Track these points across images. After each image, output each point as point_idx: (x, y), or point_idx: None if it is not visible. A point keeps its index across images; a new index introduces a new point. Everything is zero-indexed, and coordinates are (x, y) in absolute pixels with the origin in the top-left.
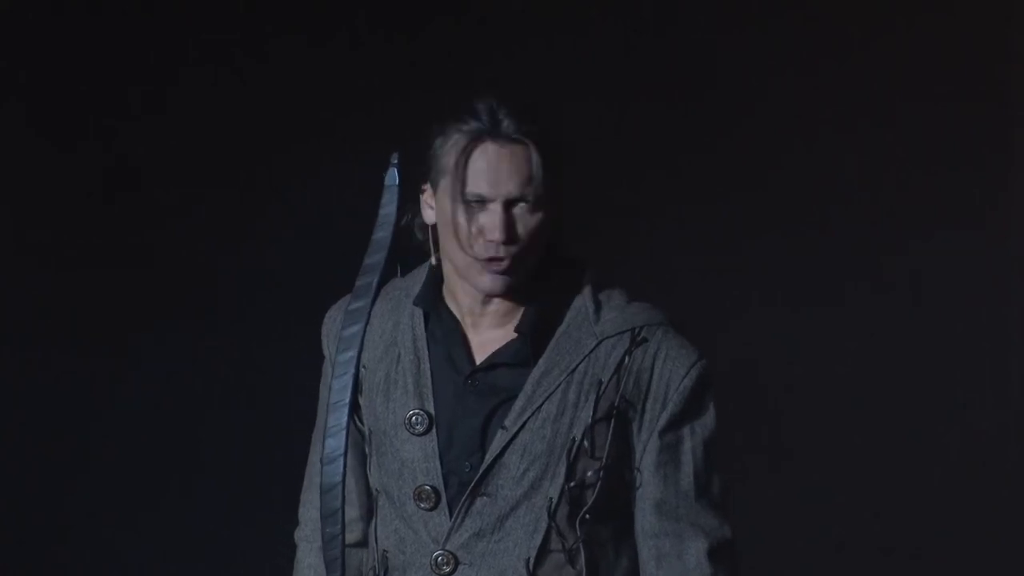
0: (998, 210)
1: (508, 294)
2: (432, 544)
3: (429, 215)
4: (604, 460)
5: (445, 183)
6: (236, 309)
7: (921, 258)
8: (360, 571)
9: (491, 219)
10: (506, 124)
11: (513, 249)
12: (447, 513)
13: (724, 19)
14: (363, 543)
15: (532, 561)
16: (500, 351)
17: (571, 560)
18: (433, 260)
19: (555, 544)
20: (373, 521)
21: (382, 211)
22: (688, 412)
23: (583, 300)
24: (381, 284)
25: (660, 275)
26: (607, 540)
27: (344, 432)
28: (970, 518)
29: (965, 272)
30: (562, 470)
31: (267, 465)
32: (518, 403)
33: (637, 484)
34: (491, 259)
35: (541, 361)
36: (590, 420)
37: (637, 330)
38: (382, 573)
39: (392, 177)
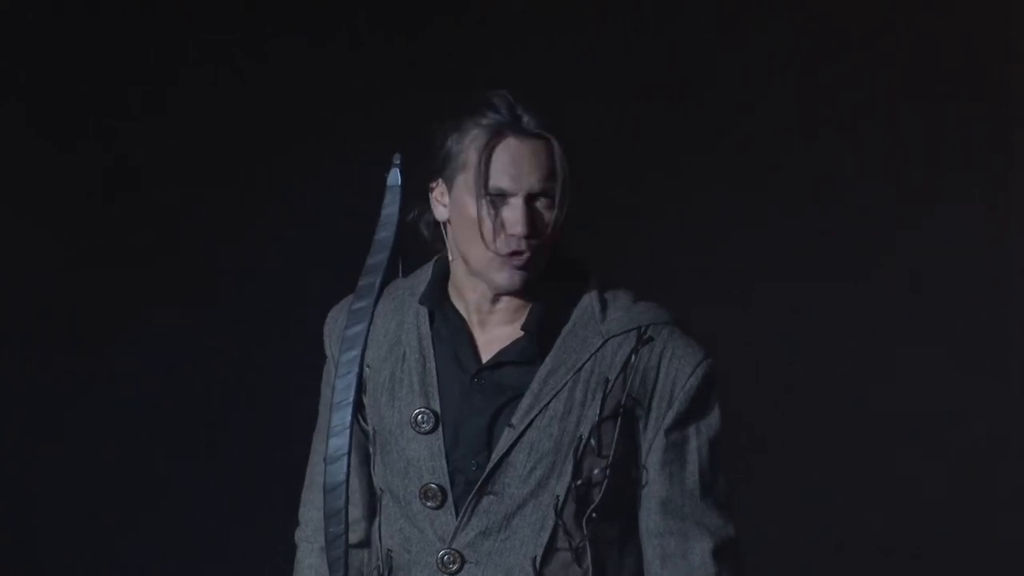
0: (998, 210)
1: (517, 292)
2: (438, 543)
3: (441, 212)
4: (611, 458)
5: (463, 178)
6: (236, 309)
7: (921, 258)
8: (361, 572)
9: (513, 214)
10: (527, 119)
11: (534, 243)
12: (453, 512)
13: (724, 19)
14: (364, 544)
15: (539, 559)
16: (507, 349)
17: (577, 559)
18: (451, 256)
19: (562, 543)
20: (376, 521)
21: (384, 211)
22: (694, 411)
23: (589, 299)
24: (384, 284)
25: (660, 275)
26: (613, 539)
27: (348, 431)
28: (970, 518)
29: (965, 272)
30: (569, 468)
31: (267, 465)
32: (525, 401)
33: (643, 482)
34: (512, 253)
35: (548, 359)
36: (597, 418)
37: (643, 329)
38: (386, 572)
39: (394, 177)
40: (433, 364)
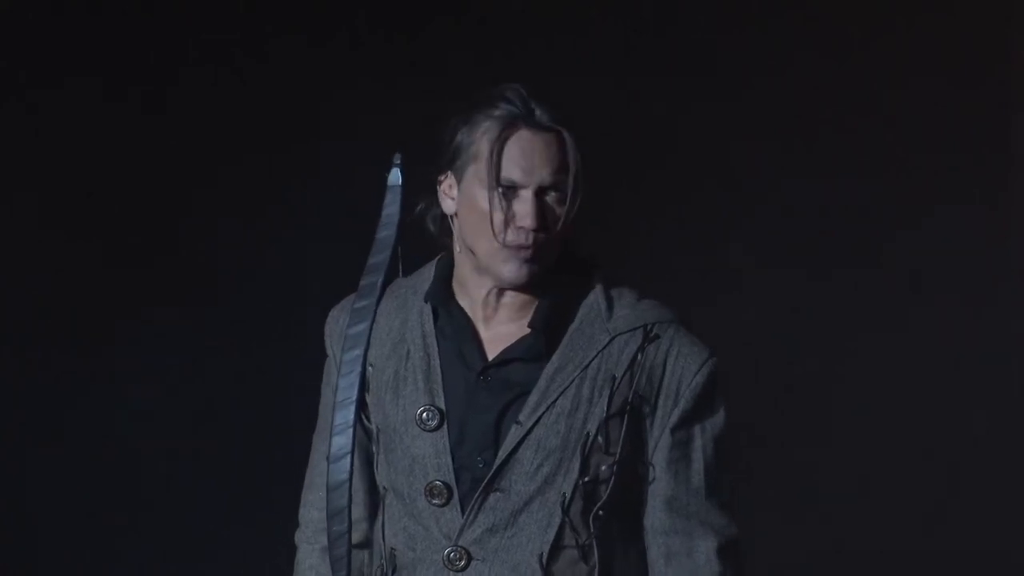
0: (998, 210)
1: (523, 288)
2: (444, 540)
3: (449, 205)
4: (618, 455)
5: (474, 170)
6: (236, 309)
7: (921, 258)
8: (362, 572)
9: (523, 206)
10: (540, 112)
11: (542, 237)
12: (459, 509)
13: (724, 19)
14: (365, 544)
15: (545, 556)
16: (513, 346)
17: (584, 556)
18: (457, 249)
19: (568, 540)
20: (379, 520)
21: (385, 211)
22: (699, 409)
23: (595, 297)
24: (386, 283)
25: (660, 275)
26: (620, 536)
27: (351, 430)
28: (970, 518)
29: (965, 272)
30: (576, 465)
31: (267, 465)
32: (532, 398)
33: (650, 478)
34: (520, 246)
35: (555, 356)
36: (604, 415)
37: (649, 327)
38: (390, 571)
39: (395, 177)
40: (438, 362)
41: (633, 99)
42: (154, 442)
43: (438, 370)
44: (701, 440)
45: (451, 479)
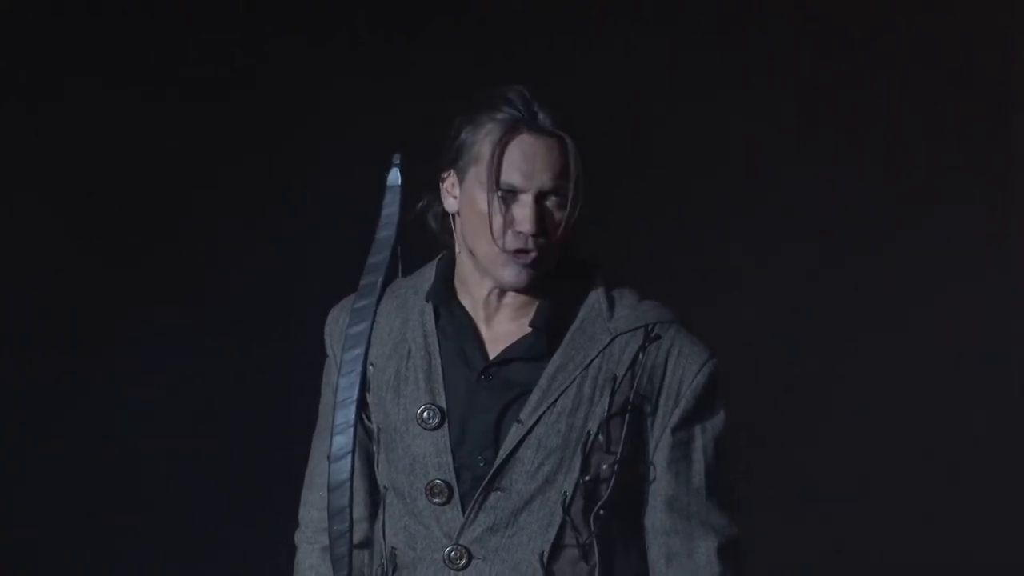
0: (998, 210)
1: (524, 289)
2: (444, 539)
3: (451, 203)
4: (619, 454)
5: (475, 171)
6: (236, 309)
7: (921, 258)
8: (362, 572)
9: (522, 211)
10: (542, 116)
11: (541, 242)
12: (460, 508)
13: (724, 19)
14: (365, 544)
15: (546, 555)
16: (514, 345)
17: (585, 555)
18: (457, 248)
19: (569, 539)
20: (379, 520)
21: (385, 211)
22: (700, 409)
23: (596, 297)
24: (386, 283)
25: (660, 275)
26: (620, 536)
27: (352, 429)
28: (970, 518)
29: (965, 272)
30: (577, 464)
31: (267, 465)
32: (533, 397)
33: (650, 478)
34: (519, 251)
35: (556, 356)
36: (605, 414)
37: (650, 327)
38: (391, 570)
39: (394, 177)
40: (439, 361)
41: (633, 99)
42: (154, 442)
43: (439, 369)
44: (702, 440)
45: (452, 478)
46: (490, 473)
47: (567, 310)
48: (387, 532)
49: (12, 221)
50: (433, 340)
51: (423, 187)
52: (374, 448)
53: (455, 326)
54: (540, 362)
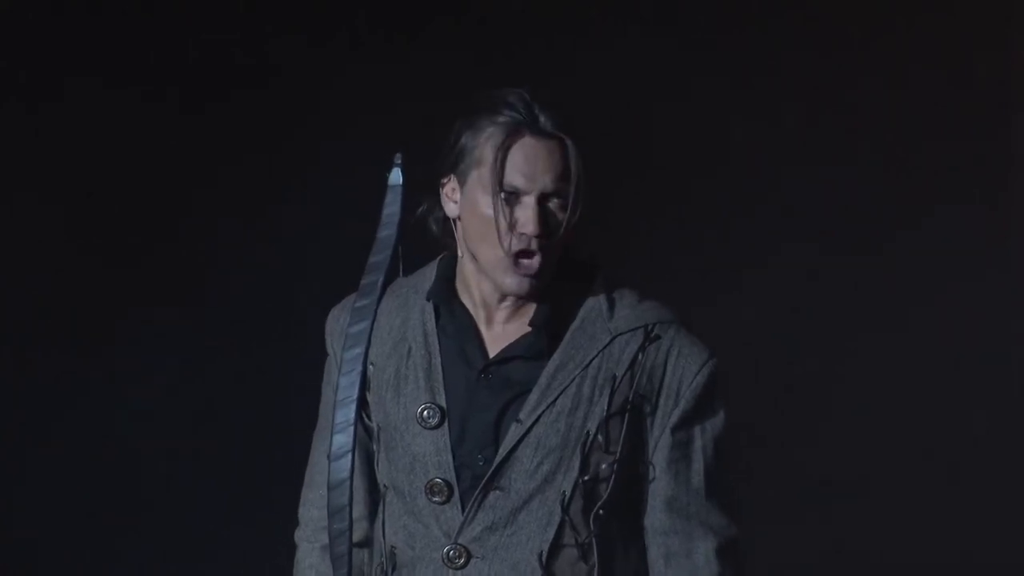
0: (998, 210)
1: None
2: (444, 538)
3: (451, 208)
4: (618, 454)
5: (477, 175)
6: (236, 309)
7: (921, 258)
8: (361, 571)
9: (525, 212)
10: (544, 119)
11: (544, 243)
12: (459, 507)
13: (724, 19)
14: (364, 543)
15: (545, 555)
16: (514, 344)
17: (584, 555)
18: (460, 253)
19: (568, 539)
20: (379, 518)
21: (386, 210)
22: (700, 409)
23: (596, 297)
24: (387, 282)
25: (660, 275)
26: (619, 536)
27: (352, 428)
28: (970, 518)
29: (965, 272)
30: (576, 464)
31: (267, 465)
32: (532, 396)
33: (650, 478)
34: (522, 252)
35: (556, 355)
36: (604, 414)
37: (650, 327)
38: (390, 569)
39: (396, 176)
40: (439, 360)
41: (633, 99)
42: (154, 442)
43: (439, 368)
44: (701, 440)
45: (451, 477)
46: (489, 472)
47: (567, 310)
48: (387, 531)
49: (12, 221)
50: (433, 339)
51: (423, 191)
52: (374, 447)
53: (455, 325)
54: (540, 361)
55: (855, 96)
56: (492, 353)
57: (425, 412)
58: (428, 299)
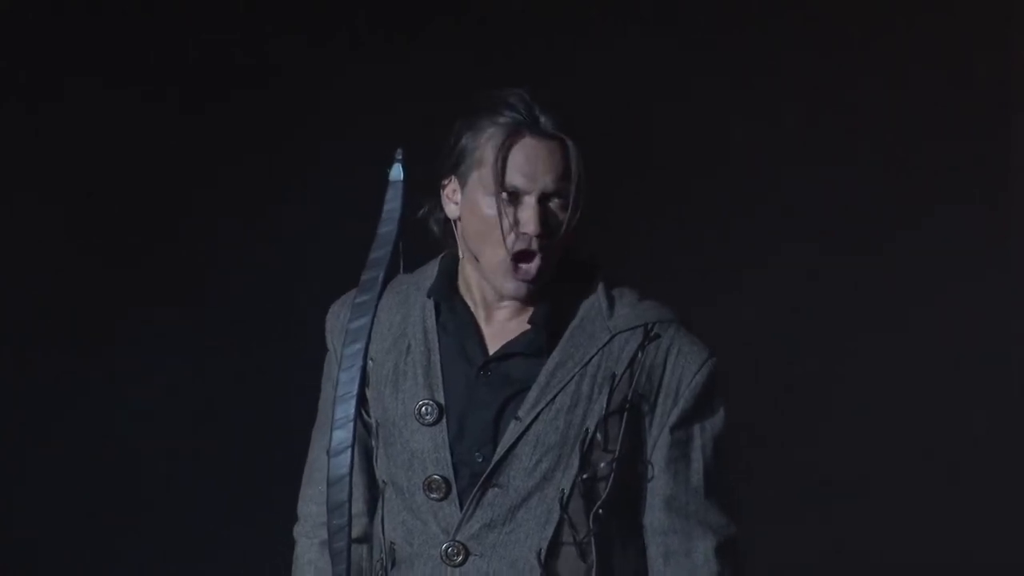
0: (998, 210)
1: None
2: (442, 535)
3: (452, 209)
4: (617, 452)
5: (477, 176)
6: (236, 309)
7: (921, 258)
8: (360, 567)
9: (526, 212)
10: (544, 119)
11: (545, 243)
12: (457, 504)
13: (724, 19)
14: (364, 539)
15: (544, 553)
16: (514, 341)
17: (582, 553)
18: (461, 254)
19: (567, 537)
20: (378, 514)
21: (387, 206)
22: (699, 408)
23: (596, 296)
24: (387, 279)
25: (660, 275)
26: (618, 534)
27: (352, 424)
28: (970, 518)
29: (965, 272)
30: (575, 462)
31: (267, 465)
32: (532, 394)
33: (649, 476)
34: (523, 253)
35: (555, 353)
36: (603, 412)
37: (650, 326)
38: (389, 565)
39: (396, 172)
40: (438, 357)
41: (633, 99)
42: (154, 442)
43: (438, 365)
44: (700, 440)
45: (449, 474)
46: (488, 469)
47: (567, 308)
48: (386, 527)
49: (12, 221)
50: (433, 336)
51: (424, 192)
52: (373, 443)
53: (456, 322)
54: (539, 358)
55: (855, 96)
56: (492, 350)
57: (423, 408)
58: (429, 296)
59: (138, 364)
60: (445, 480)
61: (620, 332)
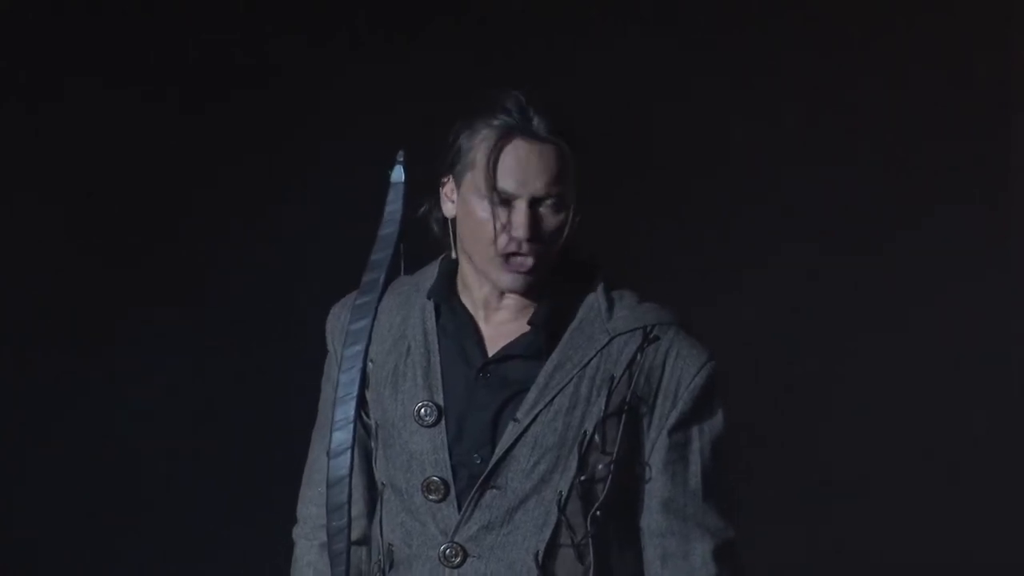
0: (998, 210)
1: (524, 290)
2: (440, 536)
3: (449, 208)
4: (615, 454)
5: (471, 177)
6: (236, 309)
7: (921, 258)
8: (360, 569)
9: (517, 216)
10: (537, 122)
11: (536, 247)
12: (455, 505)
13: (724, 19)
14: (363, 542)
15: (541, 554)
16: (513, 343)
17: (580, 555)
18: (453, 254)
19: (564, 539)
20: (377, 516)
21: (388, 208)
22: (698, 411)
23: (596, 297)
24: (388, 280)
25: (660, 275)
26: (616, 536)
27: (351, 425)
28: (970, 518)
29: (965, 272)
30: (573, 463)
31: (267, 465)
32: (530, 395)
33: (647, 478)
34: (513, 254)
35: (554, 354)
36: (602, 414)
37: (649, 328)
38: (387, 566)
39: (398, 174)
40: (438, 358)
41: (633, 99)
42: (154, 442)
43: (437, 366)
44: (699, 442)
45: (448, 475)
46: (486, 471)
47: (567, 310)
48: (384, 528)
49: (12, 221)
50: (433, 337)
51: (424, 191)
52: (372, 444)
53: (455, 324)
54: (538, 360)
55: (855, 96)
56: (491, 352)
57: (422, 410)
58: (429, 297)
59: (138, 364)
60: (443, 482)
61: (619, 334)
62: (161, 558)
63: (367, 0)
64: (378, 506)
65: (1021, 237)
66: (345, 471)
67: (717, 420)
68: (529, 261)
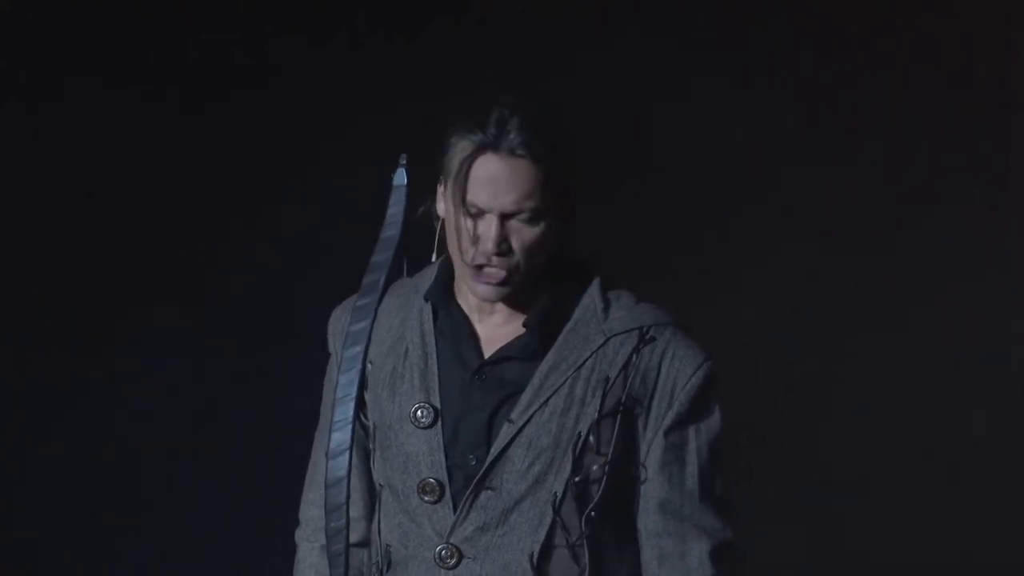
0: (998, 210)
1: (516, 294)
2: (436, 538)
3: (440, 208)
4: (610, 455)
5: (449, 185)
6: (236, 309)
7: (921, 258)
8: (360, 571)
9: (485, 230)
10: (512, 137)
11: (505, 261)
12: (451, 507)
13: (724, 19)
14: (363, 543)
15: (536, 556)
16: (509, 345)
17: (575, 556)
18: (434, 257)
19: (559, 539)
20: (375, 517)
21: (390, 210)
22: (694, 412)
23: (592, 298)
24: (388, 282)
25: (660, 275)
26: (611, 537)
27: (350, 426)
28: (970, 518)
29: (965, 272)
30: (568, 465)
31: (267, 465)
32: (525, 396)
33: (643, 478)
34: (482, 267)
35: (549, 355)
36: (596, 416)
37: (645, 329)
38: (385, 567)
39: (400, 177)
40: (435, 360)
41: (633, 99)
42: (154, 442)
43: (435, 368)
44: (696, 443)
45: (443, 476)
46: (481, 472)
47: (563, 310)
48: (382, 529)
49: (12, 221)
50: (430, 339)
51: (424, 190)
52: (370, 445)
53: (452, 326)
54: (534, 362)
55: (855, 96)
56: (488, 353)
57: (419, 412)
58: (426, 299)
59: (138, 364)
60: (439, 483)
61: (615, 335)
62: (161, 558)
63: (367, 0)
64: (376, 507)
65: (1021, 237)
66: (343, 472)
67: (714, 421)
68: (501, 274)
